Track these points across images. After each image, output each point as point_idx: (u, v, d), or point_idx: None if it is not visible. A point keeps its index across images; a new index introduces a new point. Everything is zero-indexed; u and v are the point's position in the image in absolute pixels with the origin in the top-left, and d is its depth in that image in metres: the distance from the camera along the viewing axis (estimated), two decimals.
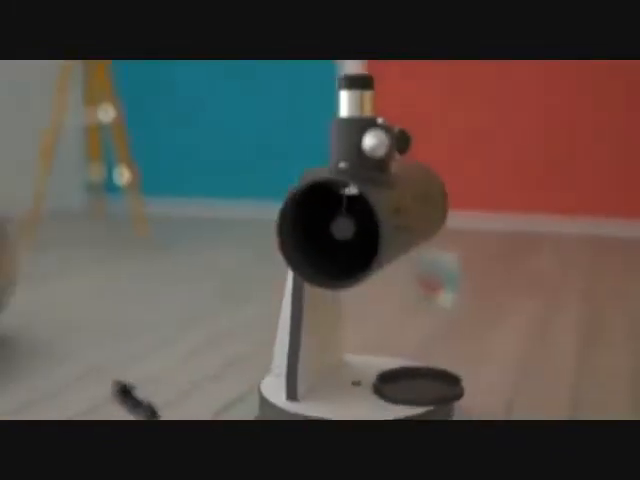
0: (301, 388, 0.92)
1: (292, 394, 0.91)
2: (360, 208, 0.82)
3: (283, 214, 0.78)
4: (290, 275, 0.90)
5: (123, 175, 2.74)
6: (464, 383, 1.22)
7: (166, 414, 1.10)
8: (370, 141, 0.77)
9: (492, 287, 1.95)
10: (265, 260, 2.29)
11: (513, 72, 2.92)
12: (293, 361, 0.90)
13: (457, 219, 3.06)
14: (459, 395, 0.91)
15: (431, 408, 0.88)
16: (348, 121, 0.80)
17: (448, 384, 0.96)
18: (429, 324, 1.60)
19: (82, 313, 1.69)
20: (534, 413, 1.11)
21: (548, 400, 1.16)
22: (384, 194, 0.77)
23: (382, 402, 0.91)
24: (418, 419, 0.87)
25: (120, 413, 1.11)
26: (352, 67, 3.11)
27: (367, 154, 0.78)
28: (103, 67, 2.69)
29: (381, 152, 0.76)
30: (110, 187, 3.66)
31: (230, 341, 1.48)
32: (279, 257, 2.36)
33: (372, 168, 0.79)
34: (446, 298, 1.81)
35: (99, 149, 3.35)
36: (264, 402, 0.93)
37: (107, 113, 2.77)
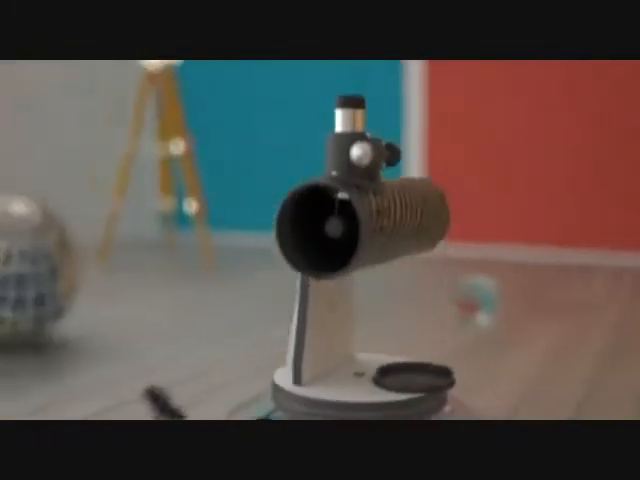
0: (306, 375, 1.03)
1: (297, 379, 1.02)
2: (350, 211, 0.94)
3: (282, 211, 0.91)
4: (299, 276, 1.02)
5: (192, 207, 2.92)
6: (477, 394, 1.31)
7: (192, 412, 1.23)
8: (356, 152, 0.88)
9: (518, 313, 2.02)
10: None
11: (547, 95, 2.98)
12: (299, 349, 1.02)
13: (485, 250, 3.12)
14: (447, 385, 1.00)
15: (421, 395, 0.98)
16: (341, 135, 0.92)
17: (440, 376, 1.05)
18: (457, 341, 1.69)
19: (140, 327, 1.85)
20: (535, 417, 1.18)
21: (551, 410, 1.23)
22: (368, 198, 0.88)
23: (378, 389, 1.01)
24: (409, 403, 0.96)
25: (129, 413, 1.24)
26: (414, 68, 3.20)
27: (355, 163, 0.90)
28: (175, 102, 2.89)
29: (366, 161, 0.88)
30: (183, 219, 3.87)
31: (269, 351, 1.60)
32: None
33: (360, 176, 0.91)
34: (482, 319, 1.89)
35: (170, 181, 3.56)
36: (275, 387, 1.05)
37: (178, 146, 2.96)
